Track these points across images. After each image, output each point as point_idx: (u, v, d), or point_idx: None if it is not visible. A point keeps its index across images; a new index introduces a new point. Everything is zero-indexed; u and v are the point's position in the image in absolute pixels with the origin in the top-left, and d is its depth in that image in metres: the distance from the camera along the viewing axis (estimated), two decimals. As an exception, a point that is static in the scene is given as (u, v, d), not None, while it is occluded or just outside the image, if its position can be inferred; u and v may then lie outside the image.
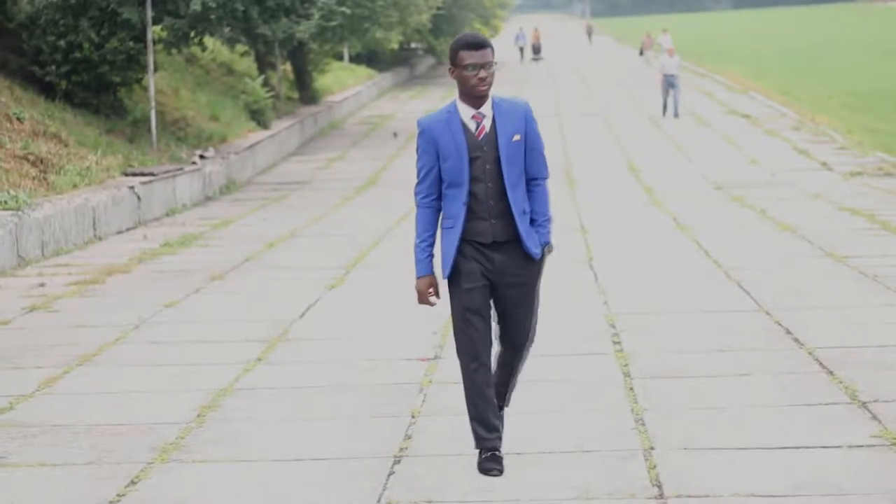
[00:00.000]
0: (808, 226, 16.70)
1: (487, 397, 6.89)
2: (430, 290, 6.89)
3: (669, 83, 36.85)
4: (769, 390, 8.65)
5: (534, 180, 6.92)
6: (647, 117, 37.80)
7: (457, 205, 6.80)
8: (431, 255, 6.88)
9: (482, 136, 6.78)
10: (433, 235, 6.90)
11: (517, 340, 7.07)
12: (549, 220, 6.96)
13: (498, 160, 6.76)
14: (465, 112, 6.82)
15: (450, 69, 6.80)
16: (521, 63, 72.18)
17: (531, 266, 6.90)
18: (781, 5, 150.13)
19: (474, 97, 6.76)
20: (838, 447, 7.32)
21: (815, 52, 61.57)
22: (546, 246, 6.93)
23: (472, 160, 6.77)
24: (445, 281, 6.90)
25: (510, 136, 6.78)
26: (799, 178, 22.95)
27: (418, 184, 6.91)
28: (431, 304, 6.95)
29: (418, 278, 6.90)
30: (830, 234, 15.93)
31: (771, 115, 36.50)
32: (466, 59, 6.69)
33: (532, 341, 7.14)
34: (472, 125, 6.80)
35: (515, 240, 6.82)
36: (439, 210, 6.90)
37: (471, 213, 6.80)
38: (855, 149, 27.13)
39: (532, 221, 6.90)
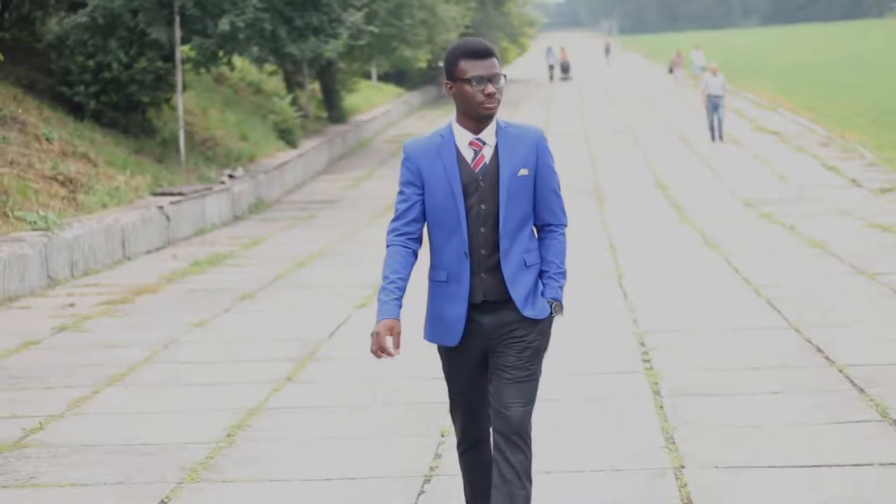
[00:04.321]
0: (838, 242, 16.63)
1: (479, 484, 5.82)
2: (390, 335, 5.39)
3: (714, 104, 34.71)
4: (800, 408, 8.61)
5: (547, 227, 5.57)
6: (676, 134, 37.74)
7: (450, 253, 5.47)
8: (399, 301, 5.47)
9: (479, 167, 5.44)
10: (404, 280, 5.49)
11: (508, 425, 5.46)
12: (561, 273, 5.55)
13: (496, 200, 5.42)
14: (462, 137, 5.47)
15: (446, 84, 5.47)
16: (551, 82, 72.02)
17: (533, 328, 5.48)
18: (810, 21, 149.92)
19: (479, 118, 5.41)
20: (869, 465, 7.28)
21: (843, 68, 61.31)
22: (554, 303, 5.51)
23: (465, 197, 5.44)
24: (425, 341, 5.75)
25: (515, 169, 5.43)
26: (828, 194, 22.87)
27: (393, 220, 5.55)
28: (390, 355, 5.38)
29: (378, 321, 5.41)
30: (860, 250, 15.85)
31: (799, 131, 36.40)
32: (469, 71, 5.36)
33: (528, 436, 5.51)
34: (468, 154, 5.45)
35: (512, 299, 5.46)
36: (415, 253, 5.55)
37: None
38: (884, 165, 27.01)
39: (541, 273, 5.53)
